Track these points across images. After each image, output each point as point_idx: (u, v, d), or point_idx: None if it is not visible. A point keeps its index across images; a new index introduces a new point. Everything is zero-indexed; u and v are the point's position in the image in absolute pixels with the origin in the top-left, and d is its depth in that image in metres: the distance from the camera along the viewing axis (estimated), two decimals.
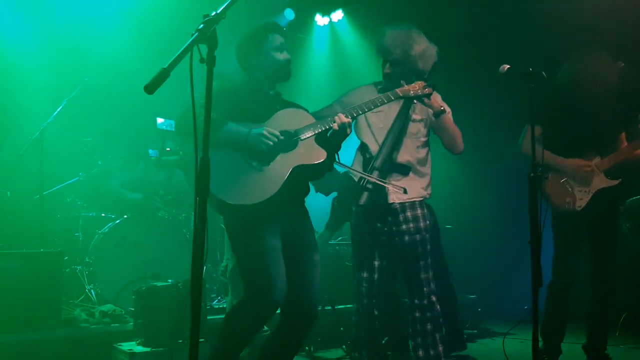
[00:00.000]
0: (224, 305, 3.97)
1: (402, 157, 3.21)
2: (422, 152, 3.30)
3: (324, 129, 2.73)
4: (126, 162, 5.14)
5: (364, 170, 3.18)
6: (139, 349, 3.42)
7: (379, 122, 3.24)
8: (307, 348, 4.18)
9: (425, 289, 3.16)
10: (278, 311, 2.68)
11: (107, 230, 4.62)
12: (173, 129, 5.18)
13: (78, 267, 4.61)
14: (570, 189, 3.58)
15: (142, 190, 5.07)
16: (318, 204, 4.38)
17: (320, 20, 7.10)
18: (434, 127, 3.31)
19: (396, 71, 3.18)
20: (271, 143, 2.59)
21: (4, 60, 5.23)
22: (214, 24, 1.77)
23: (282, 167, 2.64)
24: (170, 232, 4.75)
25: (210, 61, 1.77)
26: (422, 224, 3.20)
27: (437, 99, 3.19)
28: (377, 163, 3.14)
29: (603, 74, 3.49)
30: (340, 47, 7.14)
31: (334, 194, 4.30)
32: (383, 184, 3.07)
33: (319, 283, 2.75)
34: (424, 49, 3.15)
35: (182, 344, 3.36)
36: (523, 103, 2.77)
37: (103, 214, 4.96)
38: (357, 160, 3.31)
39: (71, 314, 4.05)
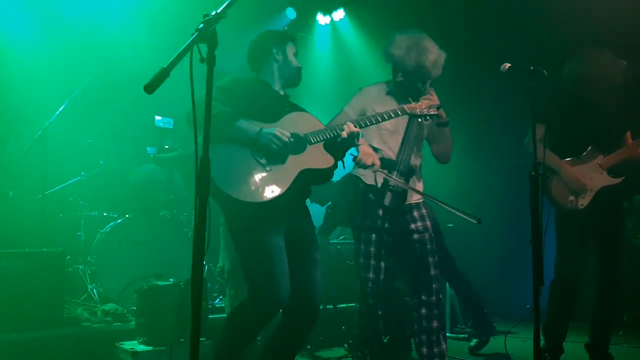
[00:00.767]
0: (227, 303, 3.97)
1: (412, 160, 3.28)
2: (420, 155, 3.39)
3: (333, 135, 2.76)
4: (132, 161, 5.14)
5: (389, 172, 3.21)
6: (141, 347, 3.42)
7: (389, 126, 3.27)
8: (308, 347, 4.18)
9: (434, 285, 3.19)
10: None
11: (109, 229, 4.63)
12: (171, 127, 5.19)
13: (80, 267, 4.62)
14: None
15: (145, 189, 5.07)
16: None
17: (322, 19, 7.11)
18: (431, 135, 3.36)
19: (408, 80, 3.24)
20: (281, 144, 2.61)
21: (6, 60, 5.24)
22: (213, 24, 1.77)
23: (290, 168, 2.66)
24: (172, 232, 4.77)
25: (210, 61, 1.77)
26: (428, 223, 3.28)
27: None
28: (402, 167, 3.20)
29: (606, 73, 3.49)
30: (341, 46, 7.14)
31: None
32: (437, 202, 3.04)
33: (320, 282, 2.76)
34: (436, 58, 3.17)
35: (183, 343, 3.37)
36: (527, 102, 2.77)
37: (105, 214, 4.96)
38: None
39: (73, 313, 4.06)
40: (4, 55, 5.26)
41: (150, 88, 1.67)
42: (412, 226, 3.23)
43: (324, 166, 2.73)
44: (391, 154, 3.24)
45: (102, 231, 4.68)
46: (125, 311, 4.09)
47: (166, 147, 5.16)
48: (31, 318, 3.69)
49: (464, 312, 5.29)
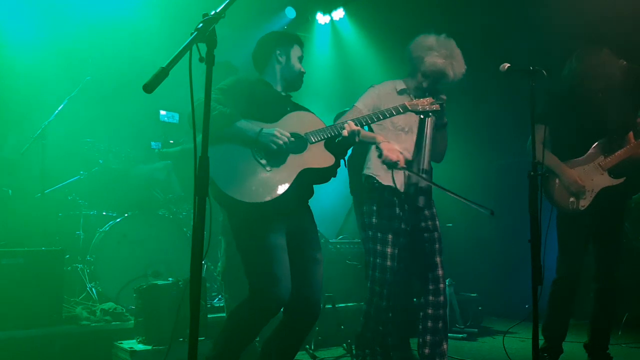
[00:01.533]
0: (224, 304, 3.96)
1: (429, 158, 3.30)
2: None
3: (333, 134, 2.75)
4: (131, 160, 5.14)
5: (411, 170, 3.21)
6: (140, 347, 3.42)
7: (403, 125, 3.28)
8: (307, 346, 4.18)
9: (441, 285, 3.20)
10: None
11: (108, 228, 4.62)
12: (176, 121, 5.18)
13: (79, 266, 4.61)
14: None
15: (144, 188, 5.07)
16: (320, 206, 4.38)
17: (322, 18, 7.10)
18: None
19: (435, 88, 3.23)
20: (281, 143, 2.61)
21: (6, 58, 5.24)
22: (213, 23, 1.77)
23: (290, 168, 2.65)
24: (171, 231, 4.76)
25: (209, 60, 1.77)
26: (437, 222, 3.29)
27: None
28: (424, 165, 3.20)
29: (607, 72, 3.48)
30: (341, 45, 7.14)
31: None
32: (454, 194, 3.02)
33: (322, 282, 2.76)
34: (462, 71, 3.22)
35: (182, 342, 3.36)
36: (527, 101, 2.77)
37: (104, 213, 4.96)
38: (373, 157, 3.29)
39: (72, 312, 4.05)
40: (4, 53, 5.25)
41: (149, 87, 1.67)
42: (423, 224, 3.23)
43: (325, 165, 2.72)
44: (407, 154, 3.22)
45: (101, 230, 4.67)
46: (124, 310, 4.09)
47: (171, 141, 5.14)
48: (30, 317, 3.69)
49: (463, 312, 5.29)
